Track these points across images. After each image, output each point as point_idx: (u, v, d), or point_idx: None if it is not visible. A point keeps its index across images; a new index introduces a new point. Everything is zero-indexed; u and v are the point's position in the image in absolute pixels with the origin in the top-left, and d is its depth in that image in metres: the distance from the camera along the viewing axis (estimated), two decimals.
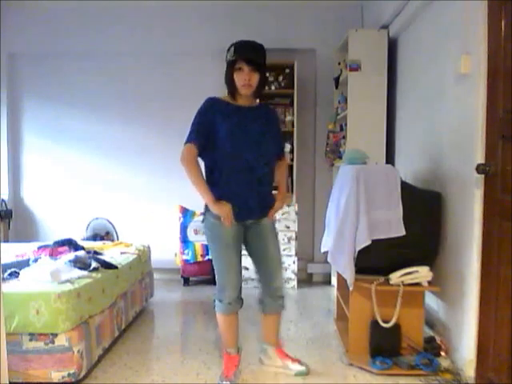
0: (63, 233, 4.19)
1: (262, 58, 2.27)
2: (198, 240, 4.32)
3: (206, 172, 2.34)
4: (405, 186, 2.62)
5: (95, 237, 4.52)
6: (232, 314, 2.43)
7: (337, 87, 4.39)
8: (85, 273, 2.62)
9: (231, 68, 2.24)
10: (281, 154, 2.54)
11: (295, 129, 4.44)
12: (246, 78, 2.22)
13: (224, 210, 2.24)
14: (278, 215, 2.55)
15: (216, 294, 2.41)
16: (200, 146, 2.25)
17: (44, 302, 2.24)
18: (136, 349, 2.88)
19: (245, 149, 2.26)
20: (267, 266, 2.45)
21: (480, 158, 2.28)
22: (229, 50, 2.26)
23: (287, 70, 4.50)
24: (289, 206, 4.23)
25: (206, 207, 2.34)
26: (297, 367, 2.53)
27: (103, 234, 4.64)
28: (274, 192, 2.47)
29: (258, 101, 2.45)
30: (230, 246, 2.33)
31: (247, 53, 2.22)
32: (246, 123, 2.30)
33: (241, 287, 2.41)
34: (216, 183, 2.29)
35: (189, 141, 2.24)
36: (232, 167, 2.26)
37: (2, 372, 1.78)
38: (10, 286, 2.35)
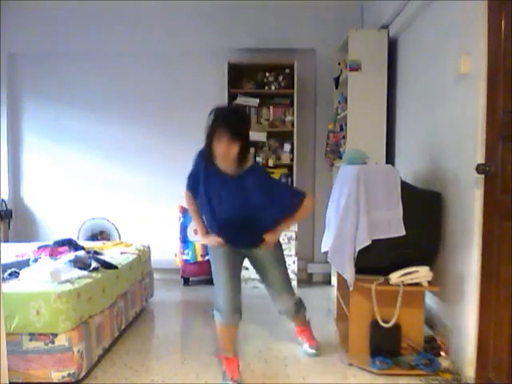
0: (63, 233, 4.19)
1: (242, 128, 2.21)
2: (198, 240, 4.30)
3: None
4: (405, 186, 2.62)
5: (93, 237, 4.52)
6: (230, 326, 2.46)
7: (337, 87, 4.39)
8: (85, 273, 2.62)
9: (211, 135, 2.20)
10: (287, 211, 2.43)
11: (295, 129, 4.43)
12: (224, 150, 2.17)
13: (210, 241, 2.49)
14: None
15: (214, 304, 2.47)
16: (193, 191, 2.49)
17: (44, 302, 2.24)
18: (136, 349, 2.88)
19: (221, 212, 2.37)
20: (270, 290, 2.66)
21: (480, 158, 2.27)
22: (210, 113, 2.21)
23: (287, 70, 4.50)
24: None
25: None
26: (307, 349, 2.77)
27: (97, 233, 4.63)
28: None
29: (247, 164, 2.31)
30: (222, 263, 2.46)
31: (227, 124, 2.15)
32: (222, 191, 2.33)
33: (238, 301, 2.45)
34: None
35: (186, 187, 2.52)
36: (211, 218, 2.44)
37: (2, 372, 1.78)
38: (10, 286, 2.35)
